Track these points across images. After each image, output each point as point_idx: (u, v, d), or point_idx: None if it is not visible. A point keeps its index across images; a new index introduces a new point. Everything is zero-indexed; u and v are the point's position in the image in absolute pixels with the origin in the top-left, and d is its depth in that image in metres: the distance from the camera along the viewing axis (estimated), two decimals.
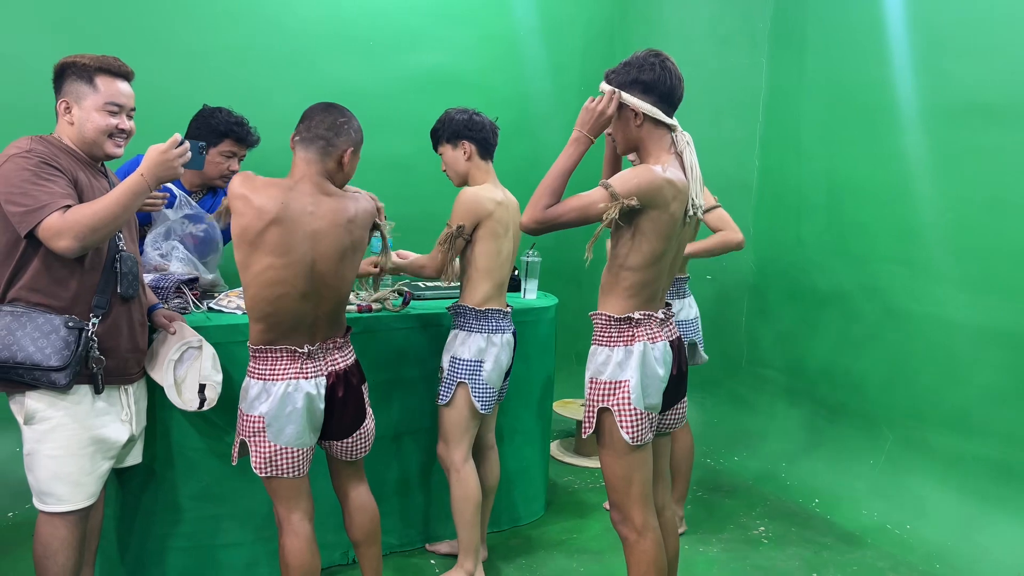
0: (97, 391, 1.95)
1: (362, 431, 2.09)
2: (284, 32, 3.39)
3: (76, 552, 1.97)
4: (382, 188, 3.44)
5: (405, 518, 2.79)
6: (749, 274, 3.98)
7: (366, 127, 3.52)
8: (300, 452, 1.96)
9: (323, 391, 1.97)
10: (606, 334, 1.94)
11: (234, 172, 2.64)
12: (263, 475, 1.96)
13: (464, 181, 2.47)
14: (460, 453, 2.44)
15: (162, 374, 2.12)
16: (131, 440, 2.07)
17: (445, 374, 2.44)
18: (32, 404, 1.89)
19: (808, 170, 3.72)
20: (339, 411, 2.02)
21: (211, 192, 2.75)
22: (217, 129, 2.59)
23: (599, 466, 3.67)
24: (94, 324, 1.91)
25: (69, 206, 1.80)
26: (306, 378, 1.94)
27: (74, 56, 1.94)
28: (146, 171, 1.87)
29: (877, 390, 3.42)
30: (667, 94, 1.89)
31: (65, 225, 1.77)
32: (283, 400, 1.91)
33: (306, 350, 1.94)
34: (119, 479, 2.27)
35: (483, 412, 2.42)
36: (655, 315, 1.94)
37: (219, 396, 2.15)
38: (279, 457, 1.94)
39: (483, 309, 2.40)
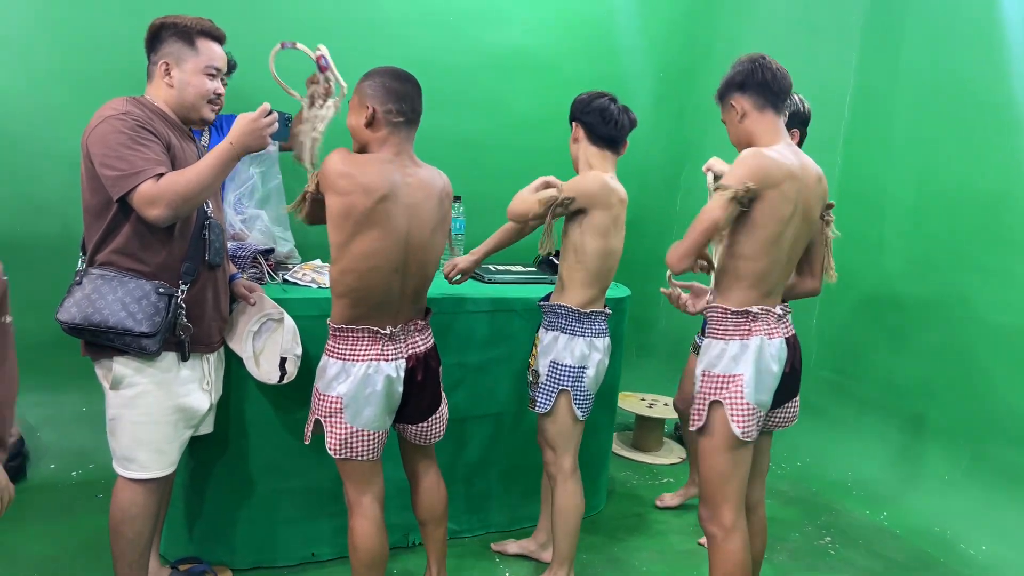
0: (183, 358, 1.95)
1: (437, 415, 2.07)
2: (361, 2, 3.32)
3: (153, 519, 1.98)
4: (452, 166, 3.39)
5: (468, 505, 2.75)
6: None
7: (439, 103, 3.45)
8: (376, 435, 1.93)
9: (403, 374, 1.94)
10: (722, 327, 1.93)
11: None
12: (337, 456, 1.93)
13: (577, 168, 2.34)
14: (569, 461, 2.32)
15: (241, 345, 2.11)
16: (210, 409, 2.06)
17: (543, 379, 2.29)
18: (120, 369, 1.88)
19: (896, 171, 3.56)
20: (417, 395, 1.98)
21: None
22: None
23: (657, 462, 3.69)
24: (183, 291, 1.91)
25: (162, 174, 1.78)
26: (387, 360, 1.90)
27: (172, 16, 1.92)
28: (235, 139, 1.84)
29: (956, 403, 3.28)
30: (762, 84, 1.92)
31: (159, 193, 1.75)
32: (363, 382, 1.88)
33: (388, 331, 1.90)
34: (190, 448, 2.27)
35: (582, 418, 2.32)
36: (772, 310, 1.92)
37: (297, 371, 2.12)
38: (355, 439, 1.91)
39: (587, 312, 2.26)
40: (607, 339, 2.33)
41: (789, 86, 1.95)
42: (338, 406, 1.89)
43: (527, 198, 2.21)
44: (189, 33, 1.89)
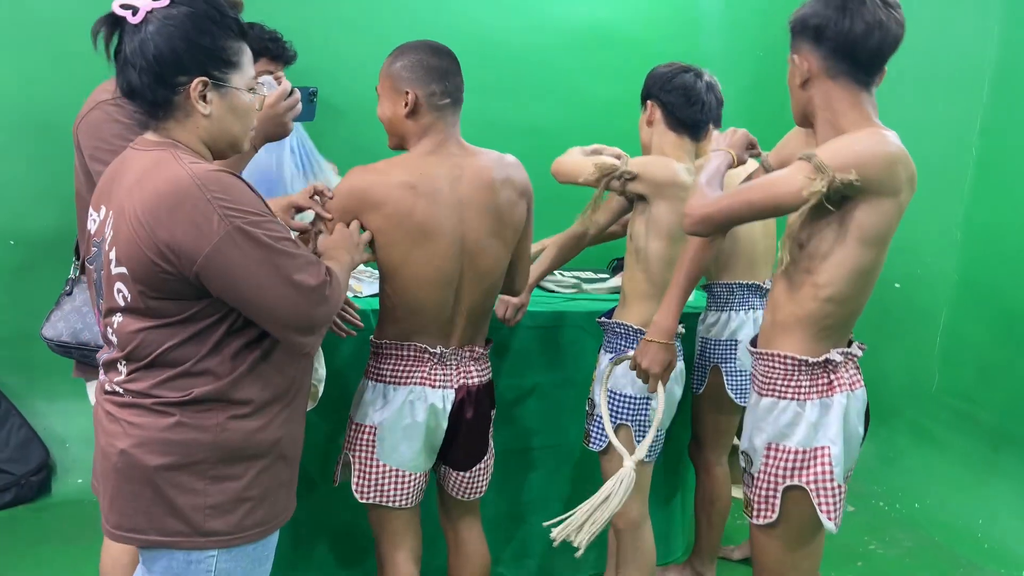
0: None
1: (483, 465, 1.74)
2: None
3: None
4: (520, 155, 3.05)
5: (521, 548, 2.39)
6: (950, 284, 3.29)
7: (502, 87, 3.07)
8: (412, 477, 1.63)
9: (450, 406, 1.62)
10: (791, 383, 1.45)
11: None
12: (365, 501, 1.64)
13: (648, 154, 1.97)
14: (635, 508, 1.93)
15: None
16: None
17: (599, 411, 1.91)
18: None
19: None
20: (464, 436, 1.67)
21: None
22: (251, 48, 2.25)
23: (739, 495, 3.24)
24: None
25: None
26: (432, 386, 1.61)
27: None
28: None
29: None
30: (847, 44, 1.37)
31: None
32: (402, 410, 1.60)
33: (439, 351, 1.60)
34: None
35: (648, 461, 1.94)
36: (854, 352, 1.47)
37: (321, 397, 1.80)
38: (387, 480, 1.62)
39: None
40: (680, 363, 1.91)
41: (883, 48, 1.38)
42: (370, 438, 1.62)
43: (580, 160, 1.86)
44: None
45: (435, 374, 1.63)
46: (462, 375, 1.66)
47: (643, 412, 1.88)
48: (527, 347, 2.24)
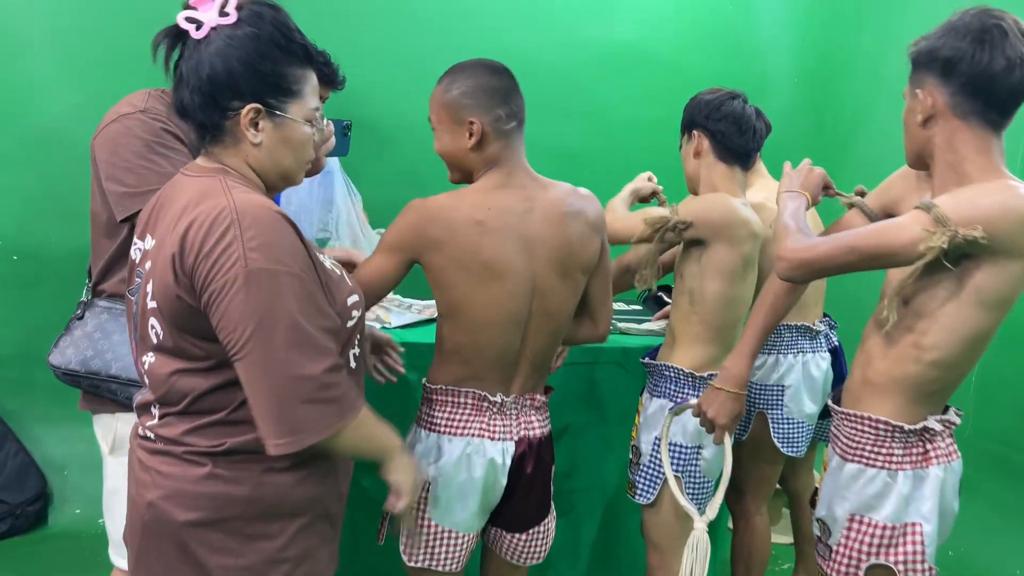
0: None
1: (542, 529, 1.59)
2: None
3: None
4: (549, 177, 2.97)
5: None
6: None
7: (535, 107, 2.95)
8: (466, 539, 1.50)
9: (509, 461, 1.48)
10: (882, 450, 1.33)
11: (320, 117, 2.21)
12: (414, 564, 1.50)
13: (695, 189, 1.85)
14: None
15: None
16: None
17: (645, 460, 1.78)
18: (125, 430, 1.50)
19: None
20: (523, 493, 1.52)
21: None
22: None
23: (778, 540, 3.10)
24: None
25: None
26: (492, 438, 1.47)
27: None
28: None
29: None
30: (983, 81, 1.23)
31: None
32: (458, 464, 1.46)
33: (499, 400, 1.47)
34: None
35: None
36: (952, 420, 1.35)
37: None
38: (438, 542, 1.49)
39: (704, 375, 1.74)
40: None
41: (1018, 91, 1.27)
42: (423, 495, 1.47)
43: (627, 218, 1.75)
44: None
45: (495, 425, 1.48)
46: (523, 426, 1.52)
47: (694, 462, 1.75)
48: (558, 384, 2.11)
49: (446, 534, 1.48)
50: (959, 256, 1.20)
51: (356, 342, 1.22)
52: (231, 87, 1.07)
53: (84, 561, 2.38)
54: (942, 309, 1.24)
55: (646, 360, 1.87)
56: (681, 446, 1.74)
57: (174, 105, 1.13)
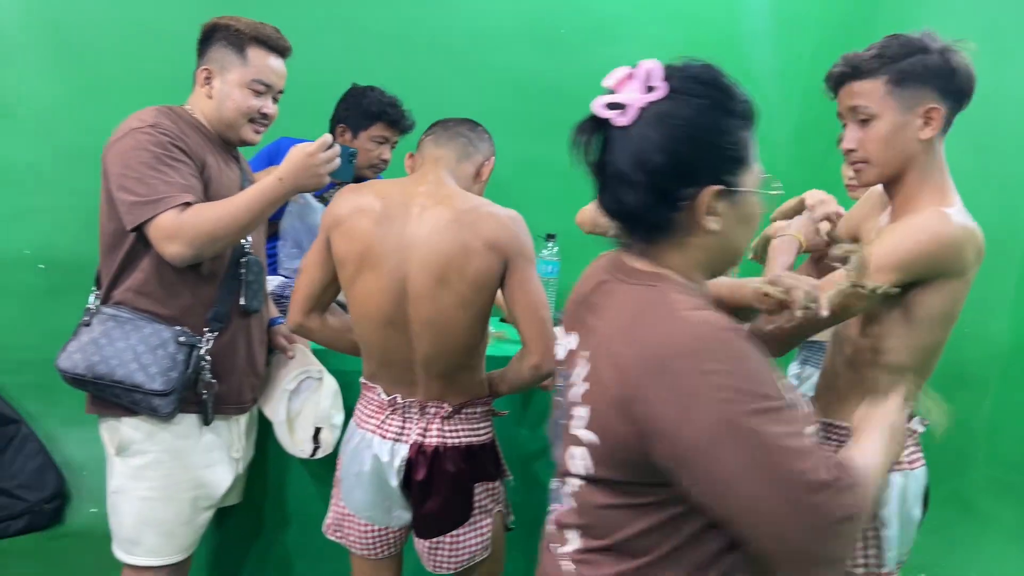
0: (206, 422, 1.62)
1: (447, 540, 1.54)
2: (457, 13, 2.99)
3: None
4: (548, 200, 2.96)
5: None
6: (1003, 344, 3.15)
7: (547, 126, 2.99)
8: (370, 528, 1.56)
9: (400, 463, 1.49)
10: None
11: (385, 161, 2.29)
12: (330, 537, 1.61)
13: None
14: None
15: (275, 406, 1.77)
16: (235, 479, 1.72)
17: None
18: (128, 433, 1.59)
19: None
20: (420, 499, 1.52)
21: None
22: (368, 111, 2.23)
23: None
24: (209, 341, 1.59)
25: (189, 203, 1.48)
26: (383, 437, 1.50)
27: (228, 18, 1.65)
28: (285, 175, 1.54)
29: None
30: (970, 96, 1.28)
31: (180, 228, 1.45)
32: (353, 454, 1.53)
33: (395, 399, 1.51)
34: (215, 521, 1.93)
35: None
36: (914, 427, 1.39)
37: (338, 441, 1.75)
38: (348, 523, 1.57)
39: None
40: None
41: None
42: (338, 475, 1.59)
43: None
44: (241, 39, 1.61)
45: (389, 424, 1.51)
46: (420, 432, 1.50)
47: None
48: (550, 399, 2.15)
49: (351, 518, 1.56)
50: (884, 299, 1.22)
51: None
52: (681, 174, 0.88)
53: (98, 558, 2.44)
54: (897, 327, 1.28)
55: None
56: None
57: (605, 207, 0.94)
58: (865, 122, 1.29)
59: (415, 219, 1.44)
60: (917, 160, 1.28)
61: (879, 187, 1.40)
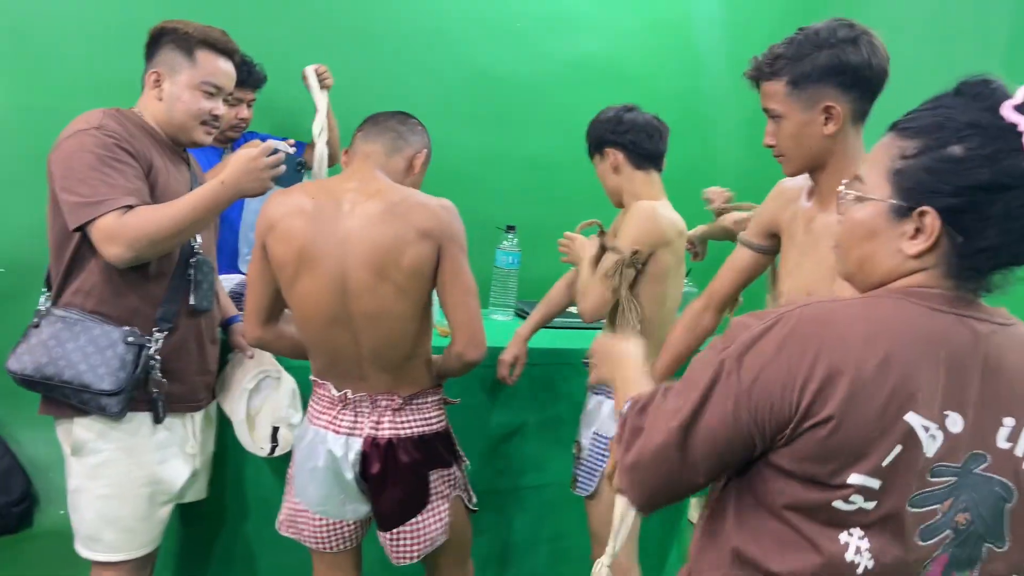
0: (157, 420, 1.63)
1: (407, 528, 1.58)
2: (415, 6, 3.00)
3: None
4: (509, 191, 2.99)
5: None
6: None
7: (505, 119, 3.02)
8: (326, 523, 1.59)
9: (355, 457, 1.52)
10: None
11: (244, 120, 2.30)
12: (283, 533, 1.64)
13: (620, 202, 1.93)
14: (622, 557, 1.88)
15: (234, 405, 1.78)
16: (194, 475, 1.75)
17: (585, 454, 1.87)
18: (80, 433, 1.61)
19: None
20: (378, 491, 1.56)
21: (218, 149, 2.35)
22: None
23: None
24: (158, 341, 1.60)
25: (131, 206, 1.48)
26: (336, 432, 1.53)
27: (176, 22, 1.65)
28: (228, 179, 1.54)
29: None
30: (879, 83, 1.29)
31: (121, 230, 1.46)
32: (307, 450, 1.56)
33: (344, 394, 1.53)
34: (181, 517, 1.96)
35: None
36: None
37: None
38: (301, 517, 1.60)
39: None
40: None
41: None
42: (291, 473, 1.59)
43: (593, 288, 1.81)
44: (189, 42, 1.62)
45: (341, 419, 1.53)
46: (371, 426, 1.53)
47: None
48: (517, 384, 2.19)
49: (305, 513, 1.59)
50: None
51: None
52: None
53: (67, 560, 2.46)
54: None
55: (587, 360, 1.95)
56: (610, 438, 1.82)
57: None
58: (777, 119, 1.33)
59: (348, 215, 1.45)
60: (832, 152, 1.32)
61: (789, 180, 1.46)
